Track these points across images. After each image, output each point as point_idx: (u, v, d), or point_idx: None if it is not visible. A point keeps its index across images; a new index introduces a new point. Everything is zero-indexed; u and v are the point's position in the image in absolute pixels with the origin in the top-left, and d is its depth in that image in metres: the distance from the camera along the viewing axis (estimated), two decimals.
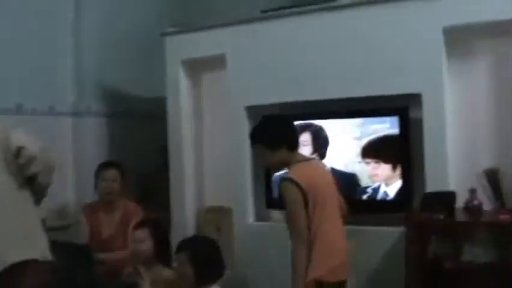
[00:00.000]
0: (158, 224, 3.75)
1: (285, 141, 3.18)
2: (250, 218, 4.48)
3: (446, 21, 3.71)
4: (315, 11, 4.20)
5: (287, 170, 3.18)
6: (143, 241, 3.52)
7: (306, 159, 3.31)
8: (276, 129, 3.23)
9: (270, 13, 4.47)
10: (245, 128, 4.41)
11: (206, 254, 3.20)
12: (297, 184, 3.01)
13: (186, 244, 3.30)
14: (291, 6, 4.49)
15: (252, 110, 4.42)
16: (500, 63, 3.77)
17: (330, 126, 4.12)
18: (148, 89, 5.40)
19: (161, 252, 3.59)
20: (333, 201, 3.19)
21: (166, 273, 3.48)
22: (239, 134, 4.41)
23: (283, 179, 3.12)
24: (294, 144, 3.25)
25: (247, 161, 4.46)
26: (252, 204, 4.48)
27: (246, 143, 4.40)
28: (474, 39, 3.83)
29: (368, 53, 3.93)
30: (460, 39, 3.81)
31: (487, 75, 3.81)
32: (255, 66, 4.39)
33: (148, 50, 5.24)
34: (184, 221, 4.74)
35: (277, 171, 3.80)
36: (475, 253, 3.52)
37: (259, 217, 4.51)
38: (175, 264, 3.31)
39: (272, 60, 4.32)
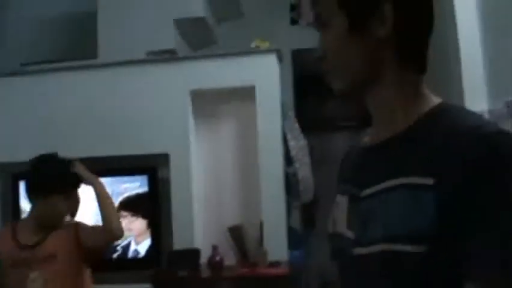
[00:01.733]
0: None
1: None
2: None
3: (193, 84, 3.91)
4: (73, 68, 4.21)
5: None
6: None
7: None
8: (69, 173, 2.70)
9: (25, 68, 4.38)
10: None
11: None
12: None
13: None
14: (52, 61, 4.45)
15: (1, 167, 4.26)
16: (243, 126, 4.02)
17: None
18: None
19: None
20: None
21: None
22: None
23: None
24: None
25: None
26: None
27: None
28: (219, 102, 4.06)
29: (120, 113, 4.00)
30: (207, 102, 4.02)
31: (231, 137, 4.05)
32: (5, 122, 4.24)
33: None
34: None
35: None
36: None
37: None
38: None
39: (24, 116, 4.20)
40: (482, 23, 3.19)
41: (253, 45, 4.04)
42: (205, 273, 3.68)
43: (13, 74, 4.34)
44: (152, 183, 3.92)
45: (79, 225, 2.65)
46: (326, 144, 7.05)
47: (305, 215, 5.73)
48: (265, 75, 3.91)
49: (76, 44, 4.95)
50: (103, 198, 2.71)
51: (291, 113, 4.18)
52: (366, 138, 1.17)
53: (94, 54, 4.50)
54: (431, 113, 1.04)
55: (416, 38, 1.09)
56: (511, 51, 2.84)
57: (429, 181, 0.94)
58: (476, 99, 3.14)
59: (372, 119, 1.15)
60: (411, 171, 0.98)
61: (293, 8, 5.47)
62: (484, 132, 0.93)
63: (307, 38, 5.31)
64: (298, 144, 4.07)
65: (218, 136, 4.06)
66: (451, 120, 1.00)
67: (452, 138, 0.95)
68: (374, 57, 1.07)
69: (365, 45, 1.07)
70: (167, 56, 4.10)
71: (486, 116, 3.03)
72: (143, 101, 3.97)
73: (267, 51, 3.97)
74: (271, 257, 3.74)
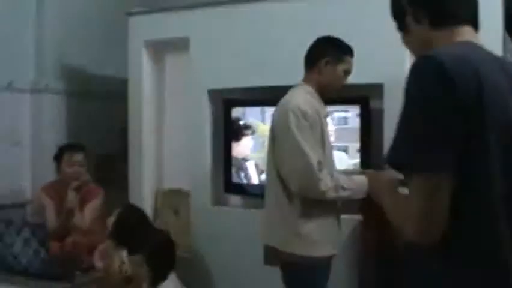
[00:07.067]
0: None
1: None
2: (208, 202, 4.44)
3: None
4: None
5: None
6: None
7: None
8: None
9: None
10: (206, 111, 4.39)
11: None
12: None
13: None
14: None
15: (214, 94, 4.39)
16: None
17: None
18: (111, 69, 5.31)
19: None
20: None
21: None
22: (200, 117, 4.38)
23: None
24: None
25: (208, 145, 4.42)
26: (210, 188, 4.43)
27: (207, 126, 4.40)
28: None
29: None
30: None
31: None
32: (218, 50, 4.32)
33: (112, 29, 5.14)
34: (141, 203, 4.63)
35: None
36: None
37: (217, 201, 4.48)
38: None
39: (235, 45, 4.26)
40: None
41: None
42: None
43: (219, 3, 4.35)
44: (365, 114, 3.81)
45: None
46: None
47: None
48: None
49: None
50: None
51: None
52: None
53: None
54: None
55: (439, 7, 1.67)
56: None
57: None
58: None
59: None
60: None
61: None
62: None
63: None
64: None
65: None
66: None
67: None
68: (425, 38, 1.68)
69: (411, 35, 1.74)
70: None
71: None
72: (352, 32, 3.73)
73: None
74: None
